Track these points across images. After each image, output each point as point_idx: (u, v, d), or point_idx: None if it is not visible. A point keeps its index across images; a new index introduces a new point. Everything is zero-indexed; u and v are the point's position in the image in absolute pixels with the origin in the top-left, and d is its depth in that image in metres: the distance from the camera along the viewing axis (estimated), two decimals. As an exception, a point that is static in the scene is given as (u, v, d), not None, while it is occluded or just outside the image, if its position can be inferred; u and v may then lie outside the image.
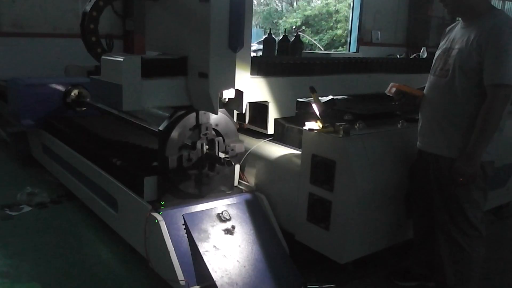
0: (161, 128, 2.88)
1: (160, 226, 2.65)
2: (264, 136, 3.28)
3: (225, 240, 2.76)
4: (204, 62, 2.62)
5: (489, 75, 2.35)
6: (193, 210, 2.83)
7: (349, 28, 11.23)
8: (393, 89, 2.79)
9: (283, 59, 3.63)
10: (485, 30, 2.38)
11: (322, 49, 15.11)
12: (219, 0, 2.54)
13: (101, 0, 3.19)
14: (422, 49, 6.34)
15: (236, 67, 2.70)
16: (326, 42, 17.69)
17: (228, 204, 2.95)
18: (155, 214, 2.72)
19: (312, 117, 2.85)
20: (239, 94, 2.76)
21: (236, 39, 2.64)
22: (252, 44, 2.95)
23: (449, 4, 2.54)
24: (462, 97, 2.47)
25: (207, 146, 2.87)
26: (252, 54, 3.77)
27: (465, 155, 2.43)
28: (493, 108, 2.34)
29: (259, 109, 3.30)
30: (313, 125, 2.79)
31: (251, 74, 2.91)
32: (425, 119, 2.68)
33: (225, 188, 3.11)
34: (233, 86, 2.71)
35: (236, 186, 3.22)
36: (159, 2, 2.92)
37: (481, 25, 2.41)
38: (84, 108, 4.76)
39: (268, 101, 3.20)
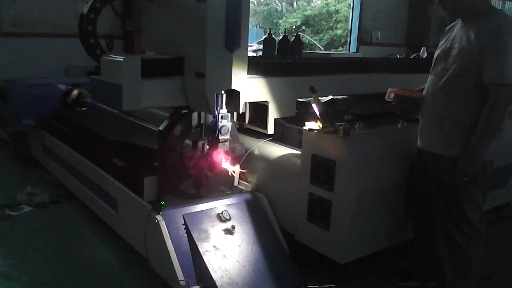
0: (161, 128, 2.89)
1: (160, 226, 2.65)
2: (264, 136, 3.28)
3: (225, 240, 2.76)
4: (201, 62, 2.62)
5: (491, 74, 2.35)
6: (193, 210, 2.82)
7: (349, 28, 11.22)
8: (392, 95, 2.79)
9: (283, 59, 3.62)
10: (485, 29, 2.38)
11: (322, 49, 15.10)
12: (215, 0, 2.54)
13: (98, 2, 3.14)
14: (422, 49, 6.31)
15: (233, 67, 2.70)
16: (326, 42, 17.72)
17: (228, 204, 2.95)
18: (155, 214, 2.72)
19: (312, 117, 2.85)
20: (236, 94, 2.76)
21: (233, 39, 2.64)
22: (252, 44, 2.96)
23: (448, 6, 2.54)
24: (462, 95, 2.48)
25: (208, 146, 2.87)
26: (253, 54, 3.78)
27: (467, 155, 2.43)
28: (496, 107, 2.34)
29: (259, 109, 3.30)
30: (313, 125, 2.79)
31: (251, 74, 2.90)
32: (425, 118, 2.68)
33: (225, 188, 3.11)
34: (229, 86, 2.71)
35: (236, 186, 3.22)
36: (156, 1, 2.92)
37: (482, 24, 2.41)
38: (84, 108, 4.76)
39: (268, 101, 3.20)
